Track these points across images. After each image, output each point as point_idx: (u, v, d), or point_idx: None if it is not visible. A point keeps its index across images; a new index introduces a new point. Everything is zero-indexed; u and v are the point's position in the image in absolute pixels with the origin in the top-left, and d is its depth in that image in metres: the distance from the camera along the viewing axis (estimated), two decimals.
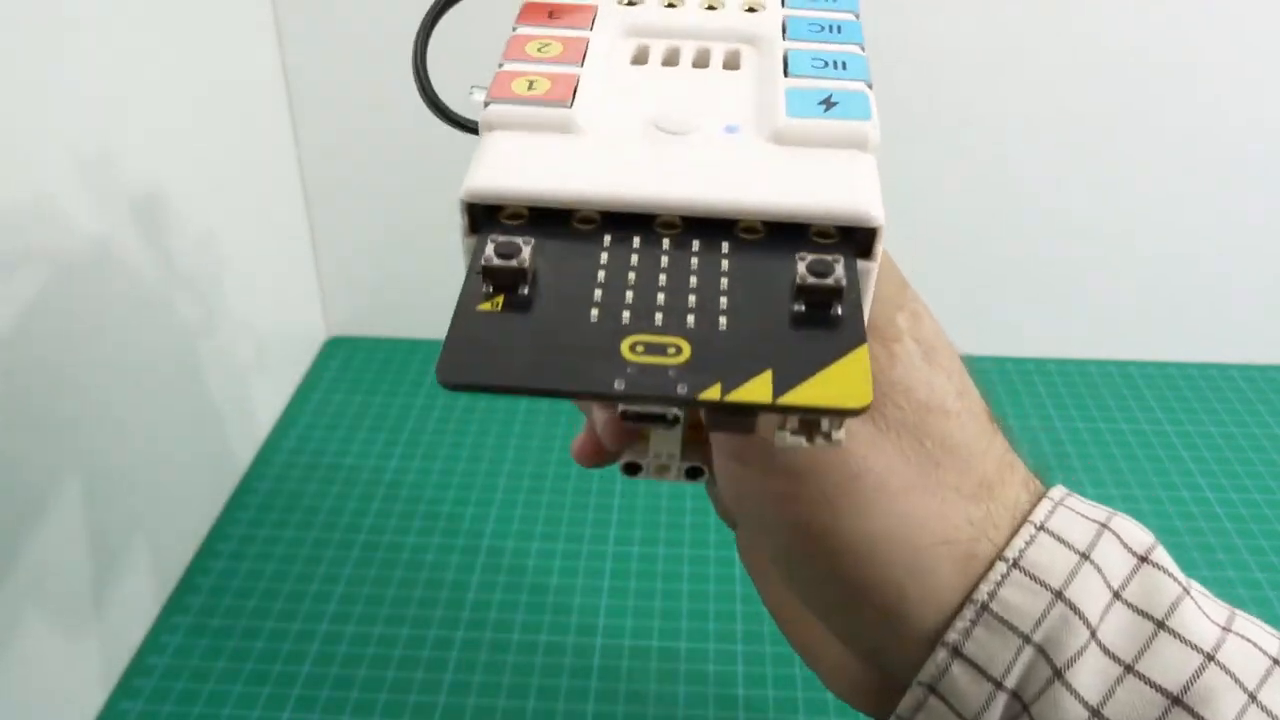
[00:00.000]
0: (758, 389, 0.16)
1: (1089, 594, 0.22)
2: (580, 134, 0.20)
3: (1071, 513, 0.24)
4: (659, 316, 0.17)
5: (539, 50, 0.22)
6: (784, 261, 0.18)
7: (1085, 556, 0.23)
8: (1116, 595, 0.23)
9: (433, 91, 0.26)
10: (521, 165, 0.19)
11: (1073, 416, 0.61)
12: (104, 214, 0.42)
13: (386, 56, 0.59)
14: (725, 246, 0.18)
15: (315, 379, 0.64)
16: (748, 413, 0.16)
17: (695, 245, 0.18)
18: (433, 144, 0.62)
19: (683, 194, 0.18)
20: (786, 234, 0.18)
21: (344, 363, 0.66)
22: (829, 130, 0.20)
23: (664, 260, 0.18)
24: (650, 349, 0.16)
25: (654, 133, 0.20)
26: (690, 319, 0.17)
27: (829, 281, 0.17)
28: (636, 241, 0.18)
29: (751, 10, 0.24)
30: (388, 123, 0.59)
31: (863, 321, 0.17)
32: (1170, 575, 0.23)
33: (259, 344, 0.58)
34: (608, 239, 0.18)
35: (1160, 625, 0.22)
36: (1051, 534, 0.23)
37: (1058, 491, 0.25)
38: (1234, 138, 0.59)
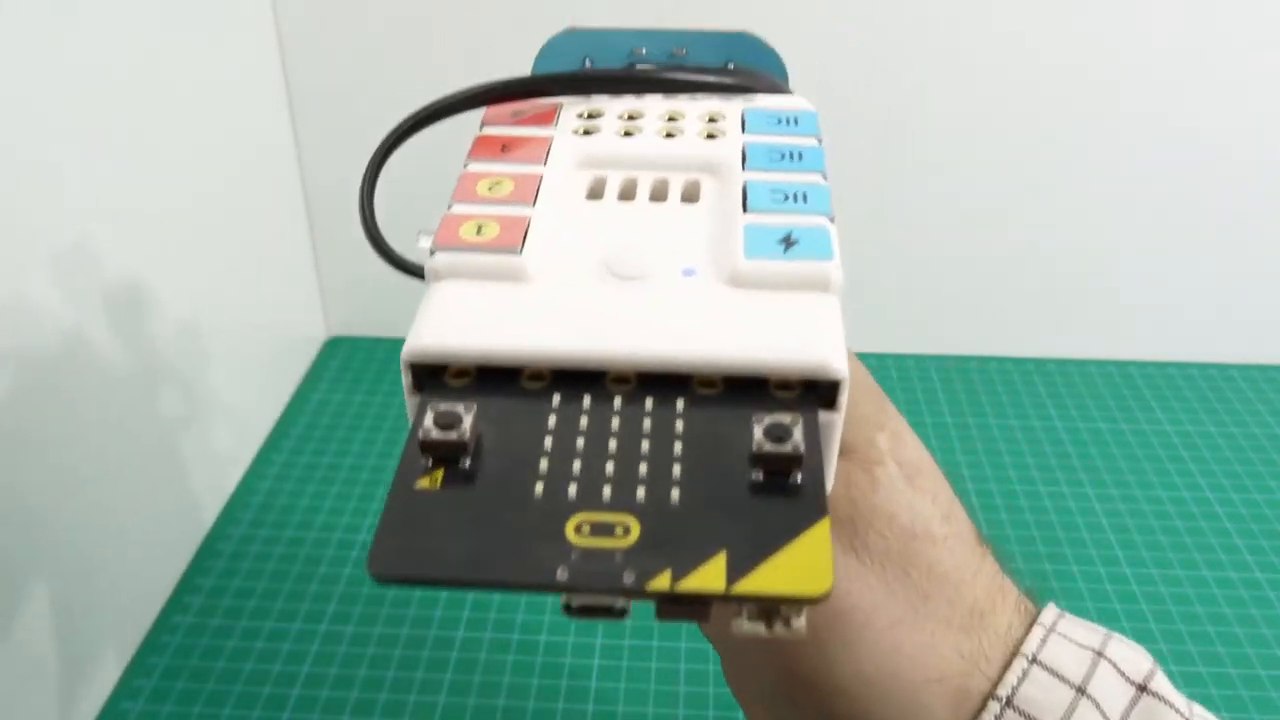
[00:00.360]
0: (710, 575, 0.15)
1: None
2: (530, 281, 0.19)
3: (1064, 640, 0.23)
4: (607, 491, 0.16)
5: (489, 190, 0.21)
6: (741, 422, 0.17)
7: (1081, 690, 0.22)
8: None
9: (380, 236, 0.25)
10: (467, 320, 0.18)
11: (1073, 416, 0.61)
12: (101, 211, 0.42)
13: (387, 57, 0.59)
14: (680, 404, 0.17)
15: (315, 379, 0.64)
16: (701, 602, 0.15)
17: (649, 404, 0.17)
18: (433, 144, 0.62)
19: (635, 349, 0.17)
20: (746, 387, 0.17)
21: (344, 363, 0.66)
22: (789, 272, 0.19)
23: (615, 422, 0.17)
24: (597, 529, 0.15)
25: (608, 278, 0.19)
26: (640, 491, 0.16)
27: (786, 449, 0.16)
28: (587, 401, 0.17)
29: (711, 137, 0.23)
30: (388, 122, 0.59)
31: (824, 490, 0.16)
32: (1171, 705, 0.22)
33: (259, 344, 0.58)
34: (557, 399, 0.17)
35: None
36: (1045, 667, 0.22)
37: (1049, 615, 0.23)
38: (1235, 138, 0.59)
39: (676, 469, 0.16)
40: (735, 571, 0.15)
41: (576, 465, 0.16)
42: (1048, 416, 0.61)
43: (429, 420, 0.16)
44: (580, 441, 0.17)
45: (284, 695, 0.43)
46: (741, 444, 0.16)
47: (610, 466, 0.16)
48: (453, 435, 0.16)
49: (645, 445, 0.17)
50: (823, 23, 0.56)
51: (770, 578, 0.15)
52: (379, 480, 0.55)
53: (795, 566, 0.15)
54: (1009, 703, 0.22)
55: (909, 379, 0.65)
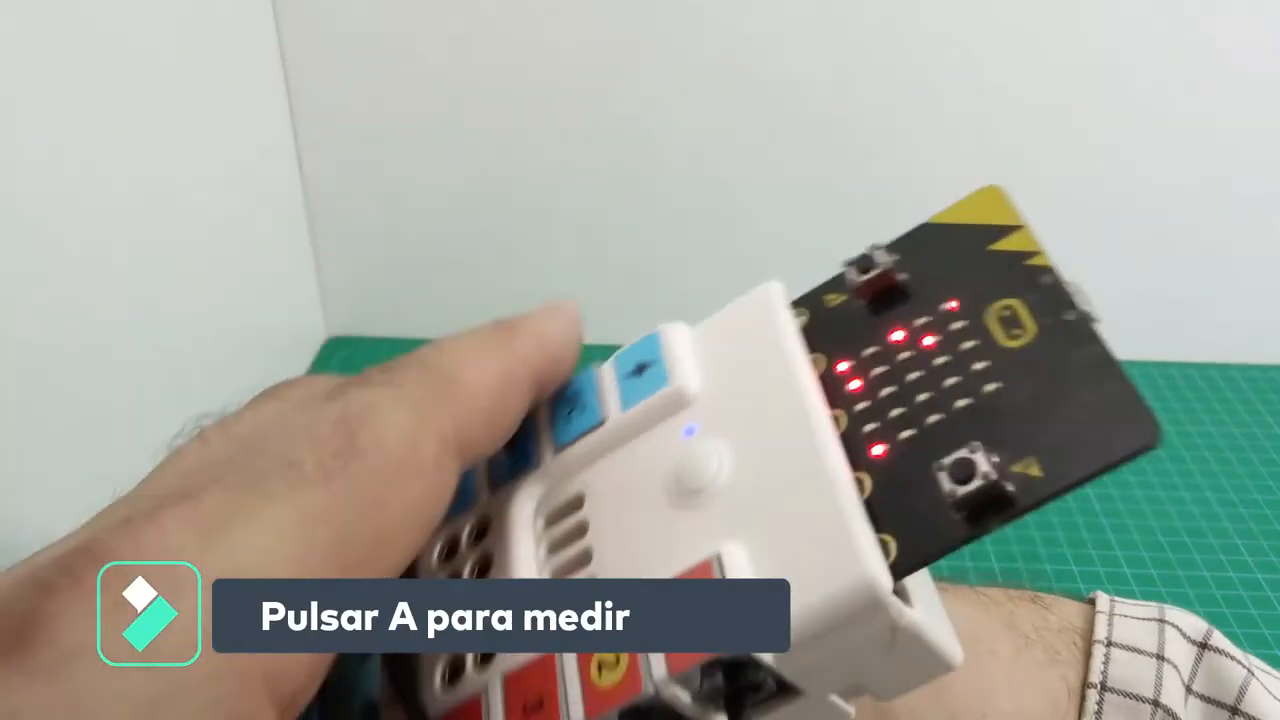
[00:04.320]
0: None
1: (1175, 695, 0.22)
2: None
3: (1130, 620, 0.24)
4: None
5: None
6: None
7: (1161, 657, 0.23)
8: (1188, 689, 0.23)
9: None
10: None
11: None
12: (100, 205, 0.42)
13: (387, 57, 0.59)
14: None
15: None
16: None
17: None
18: (433, 144, 0.62)
19: None
20: None
21: (344, 363, 0.66)
22: None
23: None
24: None
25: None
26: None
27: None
28: None
29: None
30: (388, 122, 0.59)
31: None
32: (1232, 658, 0.23)
33: (259, 344, 0.58)
34: None
35: (1234, 712, 0.22)
36: (1123, 647, 0.23)
37: (1104, 601, 0.25)
38: (1235, 137, 0.59)
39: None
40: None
41: None
42: None
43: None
44: None
45: None
46: None
47: None
48: None
49: None
50: (822, 22, 0.56)
51: None
52: None
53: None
54: (1104, 687, 0.23)
55: None
